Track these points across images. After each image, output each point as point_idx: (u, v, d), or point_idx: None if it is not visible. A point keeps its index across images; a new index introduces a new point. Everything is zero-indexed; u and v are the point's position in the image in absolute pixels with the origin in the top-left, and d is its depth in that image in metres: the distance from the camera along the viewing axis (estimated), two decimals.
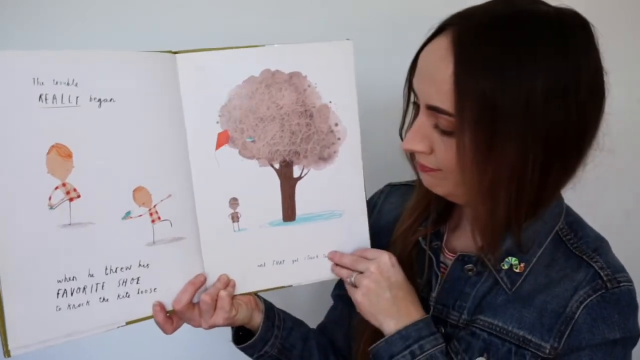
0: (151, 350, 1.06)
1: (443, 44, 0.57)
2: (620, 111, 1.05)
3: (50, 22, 0.92)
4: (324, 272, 0.74)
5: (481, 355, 0.63)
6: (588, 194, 1.08)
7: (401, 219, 0.73)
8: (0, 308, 0.59)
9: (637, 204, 1.10)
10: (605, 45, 1.01)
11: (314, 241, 0.73)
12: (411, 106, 0.66)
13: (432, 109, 0.58)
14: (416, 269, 0.71)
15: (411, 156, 0.67)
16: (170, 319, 0.68)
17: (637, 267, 1.11)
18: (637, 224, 1.11)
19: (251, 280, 0.72)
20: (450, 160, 0.58)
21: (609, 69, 1.03)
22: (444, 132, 0.58)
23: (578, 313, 0.59)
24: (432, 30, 0.60)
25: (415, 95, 0.62)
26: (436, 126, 0.59)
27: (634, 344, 0.62)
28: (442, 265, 0.70)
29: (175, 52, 0.66)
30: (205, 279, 0.69)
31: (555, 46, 0.54)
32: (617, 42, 1.02)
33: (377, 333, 0.67)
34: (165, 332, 0.68)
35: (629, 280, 0.61)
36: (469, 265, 0.66)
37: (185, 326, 0.71)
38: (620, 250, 1.08)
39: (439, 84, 0.56)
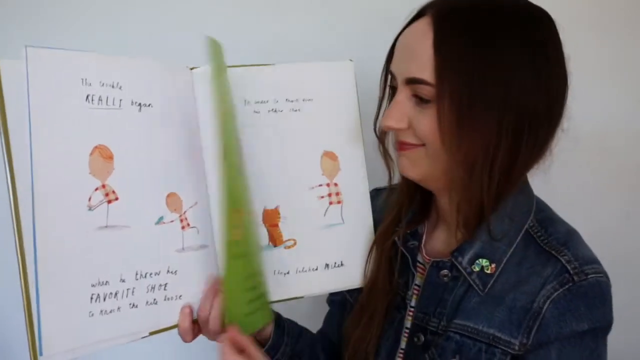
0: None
1: (422, 24, 0.61)
2: (620, 111, 1.05)
3: (50, 22, 0.92)
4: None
5: (454, 358, 0.63)
6: (588, 194, 1.08)
7: (383, 220, 0.75)
8: (30, 314, 0.56)
9: (637, 204, 1.10)
10: (605, 46, 1.02)
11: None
12: (386, 95, 0.69)
13: (411, 81, 0.61)
14: (395, 269, 0.72)
15: (387, 147, 0.71)
16: (194, 325, 0.68)
17: (637, 267, 1.12)
18: (637, 224, 1.11)
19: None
20: (430, 130, 0.60)
21: (609, 69, 1.04)
22: (422, 102, 0.61)
23: (545, 307, 0.59)
24: (410, 17, 0.65)
25: (393, 77, 0.65)
26: (415, 97, 0.62)
27: (606, 332, 0.62)
28: (419, 265, 0.71)
29: (192, 68, 0.68)
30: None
31: (527, 23, 0.60)
32: (617, 42, 1.02)
33: (362, 339, 0.71)
34: (186, 339, 0.68)
35: (599, 272, 0.60)
36: (444, 271, 0.67)
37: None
38: (620, 250, 1.09)
39: (419, 55, 0.60)
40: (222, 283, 0.64)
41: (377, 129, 0.72)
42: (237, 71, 0.69)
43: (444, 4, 0.61)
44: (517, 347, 0.60)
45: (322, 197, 0.74)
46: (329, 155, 0.74)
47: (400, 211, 0.73)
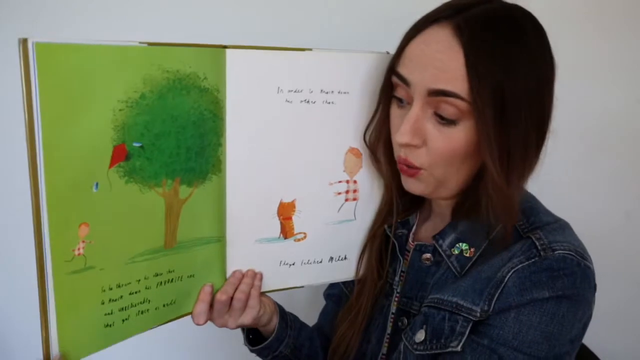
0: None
1: (444, 34, 0.59)
2: (620, 111, 1.05)
3: (49, 20, 0.92)
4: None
5: (421, 328, 0.64)
6: (588, 194, 1.08)
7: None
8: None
9: (637, 204, 1.11)
10: (605, 46, 1.02)
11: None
12: (381, 104, 0.68)
13: (440, 93, 0.58)
14: (385, 258, 0.74)
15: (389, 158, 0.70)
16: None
17: (638, 267, 1.12)
18: (637, 224, 1.11)
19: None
20: (447, 152, 0.60)
21: (609, 69, 1.03)
22: (445, 122, 0.59)
23: (508, 277, 0.60)
24: (418, 23, 0.62)
25: (405, 82, 0.61)
26: (435, 115, 0.60)
27: (574, 302, 0.60)
28: (407, 253, 0.73)
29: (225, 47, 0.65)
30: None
31: (537, 38, 0.61)
32: (618, 42, 1.02)
33: (348, 331, 0.74)
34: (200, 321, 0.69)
35: (568, 249, 0.60)
36: (427, 255, 0.69)
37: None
38: (620, 250, 1.09)
39: (450, 70, 0.57)
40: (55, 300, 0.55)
41: (367, 137, 0.71)
42: (274, 55, 0.65)
43: (462, 14, 0.59)
44: (478, 314, 0.60)
45: (340, 193, 0.73)
46: (354, 152, 0.72)
47: (392, 202, 0.73)
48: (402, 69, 0.62)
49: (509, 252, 0.62)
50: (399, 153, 0.65)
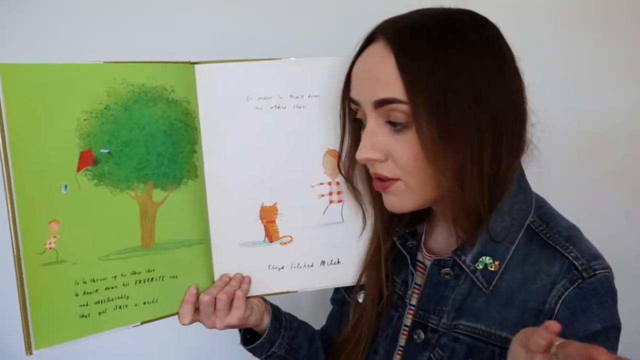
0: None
1: (377, 48, 0.60)
2: (620, 112, 1.06)
3: (48, 26, 0.92)
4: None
5: None
6: (588, 194, 1.08)
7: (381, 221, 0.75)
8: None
9: (637, 204, 1.10)
10: (606, 47, 1.02)
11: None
12: (347, 129, 0.69)
13: (383, 102, 0.59)
14: (394, 267, 0.73)
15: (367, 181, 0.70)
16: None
17: (638, 267, 1.12)
18: (637, 224, 1.11)
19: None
20: (409, 158, 0.60)
21: (610, 70, 1.04)
22: (398, 128, 0.60)
23: (557, 308, 0.59)
24: (359, 47, 0.64)
25: (357, 105, 0.63)
26: (388, 123, 0.60)
27: (618, 332, 0.62)
28: (419, 264, 0.71)
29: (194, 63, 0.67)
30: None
31: (477, 28, 0.60)
32: (618, 43, 1.02)
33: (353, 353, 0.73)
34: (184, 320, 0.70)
35: (605, 267, 0.61)
36: (446, 269, 0.67)
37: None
38: (621, 251, 1.09)
39: (384, 77, 0.59)
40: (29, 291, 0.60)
41: (343, 167, 0.71)
42: (241, 66, 0.68)
43: (393, 25, 0.60)
44: None
45: (323, 195, 0.73)
46: (332, 154, 0.73)
47: (384, 229, 0.73)
48: (352, 92, 0.64)
49: (549, 276, 0.61)
50: (371, 170, 0.65)
